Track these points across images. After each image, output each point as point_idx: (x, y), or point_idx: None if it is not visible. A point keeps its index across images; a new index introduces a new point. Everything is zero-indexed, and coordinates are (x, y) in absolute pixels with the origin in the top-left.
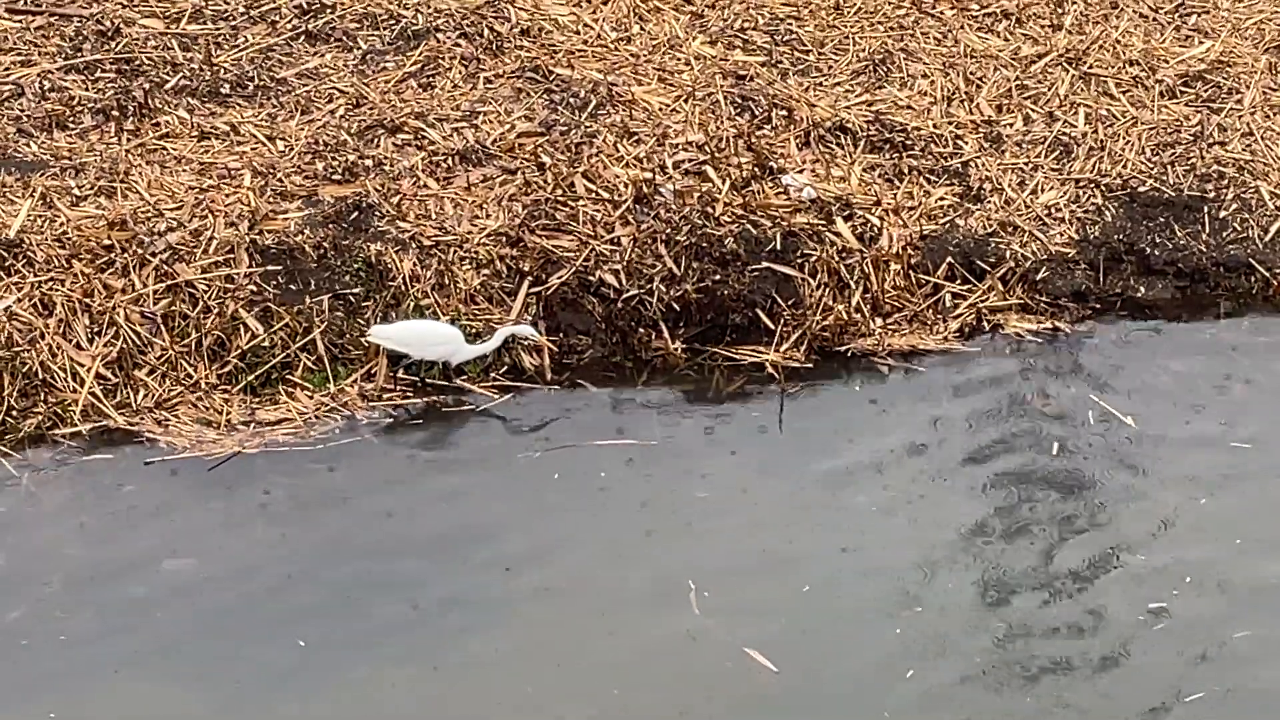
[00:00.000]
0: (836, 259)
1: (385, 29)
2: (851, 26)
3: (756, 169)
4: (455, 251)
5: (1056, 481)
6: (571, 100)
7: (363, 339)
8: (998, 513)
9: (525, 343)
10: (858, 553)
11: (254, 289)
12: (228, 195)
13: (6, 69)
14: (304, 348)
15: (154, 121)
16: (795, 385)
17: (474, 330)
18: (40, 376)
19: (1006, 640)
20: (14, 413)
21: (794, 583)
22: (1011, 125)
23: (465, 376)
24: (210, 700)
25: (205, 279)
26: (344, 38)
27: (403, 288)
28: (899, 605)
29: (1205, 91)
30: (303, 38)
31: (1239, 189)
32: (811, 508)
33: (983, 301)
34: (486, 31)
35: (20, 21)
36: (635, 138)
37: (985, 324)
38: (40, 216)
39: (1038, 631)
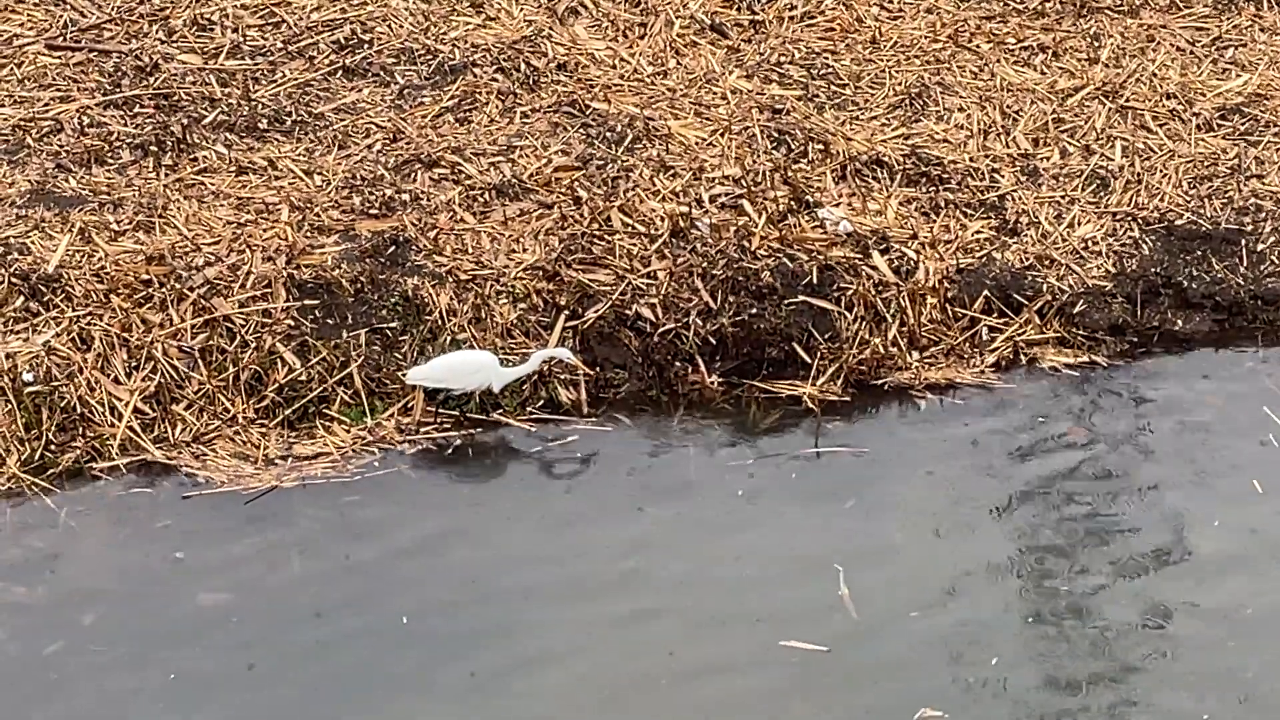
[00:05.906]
0: (873, 292)
1: (422, 64)
2: (888, 60)
3: (793, 203)
4: (492, 285)
5: (1102, 512)
6: (608, 135)
7: (399, 373)
8: (1047, 547)
9: (564, 364)
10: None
11: (291, 323)
12: (265, 230)
13: (46, 105)
14: (341, 382)
15: (192, 157)
16: (832, 419)
17: (511, 365)
18: (78, 411)
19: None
20: (52, 447)
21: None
22: (1048, 159)
23: (502, 410)
24: None
25: (243, 313)
26: (381, 73)
27: (439, 322)
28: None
29: (1242, 125)
30: (340, 73)
31: (1276, 222)
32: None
33: (1019, 335)
34: (523, 66)
35: (60, 57)
36: (671, 172)
37: (1022, 357)
38: (79, 251)
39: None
